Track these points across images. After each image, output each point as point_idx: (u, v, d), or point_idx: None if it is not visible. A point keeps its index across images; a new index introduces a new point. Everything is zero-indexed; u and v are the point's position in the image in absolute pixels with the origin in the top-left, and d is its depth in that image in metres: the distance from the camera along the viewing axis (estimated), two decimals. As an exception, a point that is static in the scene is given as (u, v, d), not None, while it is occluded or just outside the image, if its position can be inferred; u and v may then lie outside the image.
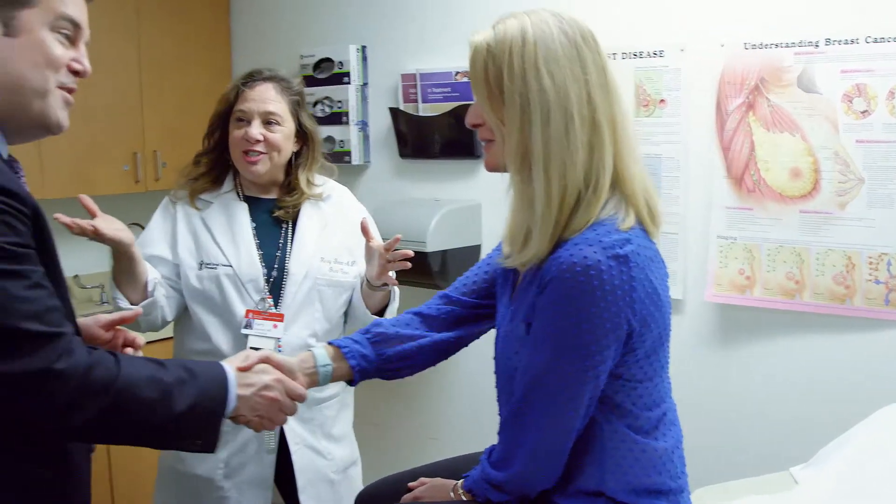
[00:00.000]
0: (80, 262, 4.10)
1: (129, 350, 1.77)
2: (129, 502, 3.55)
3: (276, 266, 2.48)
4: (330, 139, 3.64)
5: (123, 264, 2.30)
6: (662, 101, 2.77)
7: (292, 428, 2.49)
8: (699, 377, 2.81)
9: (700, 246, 2.75)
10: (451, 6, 3.31)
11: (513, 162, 1.58)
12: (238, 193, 2.53)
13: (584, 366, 1.50)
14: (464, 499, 1.73)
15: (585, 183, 1.54)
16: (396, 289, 2.54)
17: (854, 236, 2.52)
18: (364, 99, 3.62)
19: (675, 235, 2.77)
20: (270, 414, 1.70)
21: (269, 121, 2.44)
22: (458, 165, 3.32)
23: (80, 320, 1.63)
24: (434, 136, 3.36)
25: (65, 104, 1.51)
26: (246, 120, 2.44)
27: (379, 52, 3.57)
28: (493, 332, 1.80)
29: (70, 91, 1.52)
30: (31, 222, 1.39)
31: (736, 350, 2.76)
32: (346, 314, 2.61)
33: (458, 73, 3.22)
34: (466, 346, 1.96)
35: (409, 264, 2.32)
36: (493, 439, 1.72)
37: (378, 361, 1.87)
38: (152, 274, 2.39)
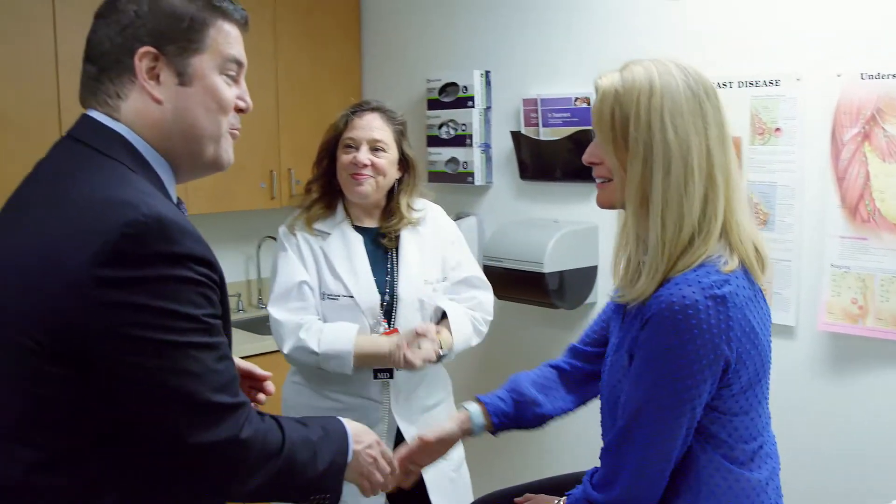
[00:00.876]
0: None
1: (261, 396, 1.87)
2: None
3: (387, 291, 2.66)
4: (454, 160, 3.79)
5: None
6: (778, 129, 2.80)
7: (409, 433, 2.65)
8: (808, 403, 2.82)
9: (813, 274, 2.77)
10: (571, 34, 3.40)
11: (631, 204, 1.68)
12: (351, 223, 2.71)
13: (681, 398, 1.59)
14: (565, 516, 1.84)
15: (697, 230, 1.63)
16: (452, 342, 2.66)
17: (972, 268, 2.51)
18: (487, 122, 3.76)
19: (789, 263, 2.80)
20: (370, 473, 1.74)
21: (375, 147, 2.64)
22: (576, 188, 3.41)
23: None
24: (554, 160, 3.46)
25: (232, 143, 1.56)
26: (354, 146, 2.64)
27: (502, 77, 3.69)
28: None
29: (236, 129, 1.57)
30: (219, 288, 1.42)
31: (846, 379, 2.76)
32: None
33: (577, 98, 3.31)
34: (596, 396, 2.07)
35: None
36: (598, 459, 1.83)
37: (516, 419, 2.05)
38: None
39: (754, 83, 2.84)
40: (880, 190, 2.62)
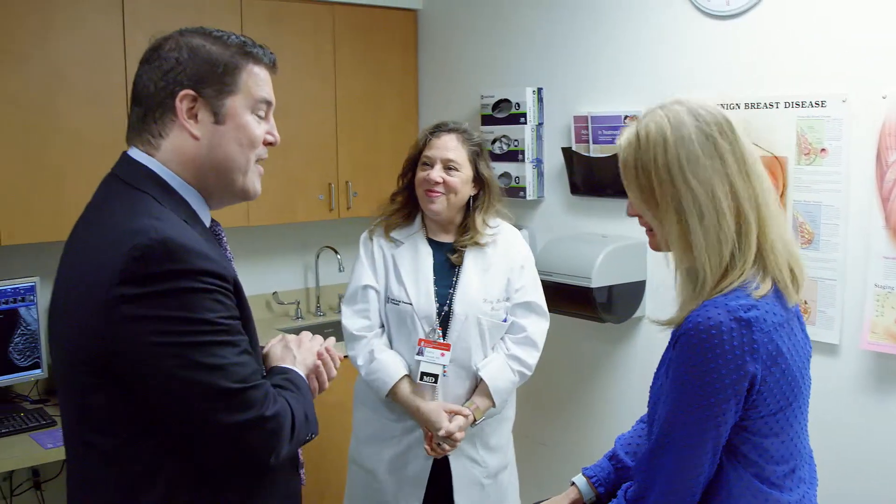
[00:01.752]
0: (277, 279, 4.51)
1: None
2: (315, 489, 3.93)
3: (447, 303, 2.83)
4: (506, 175, 3.87)
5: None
6: (823, 150, 2.83)
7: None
8: (851, 421, 2.84)
9: (857, 294, 2.79)
10: (621, 53, 3.46)
11: (676, 249, 1.76)
12: (426, 235, 2.89)
13: (705, 416, 1.65)
14: (602, 529, 1.93)
15: (731, 263, 1.70)
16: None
17: None
18: (539, 138, 3.83)
19: (833, 282, 2.83)
20: (318, 375, 1.87)
21: (448, 166, 2.80)
22: (625, 204, 3.44)
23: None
24: (603, 176, 3.52)
25: (259, 175, 1.73)
26: (430, 164, 2.82)
27: (554, 94, 3.77)
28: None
29: (263, 160, 1.73)
30: (234, 293, 1.59)
31: (889, 397, 2.78)
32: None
33: (627, 116, 3.37)
34: None
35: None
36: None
37: (618, 483, 2.12)
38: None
39: (800, 104, 2.87)
40: (924, 211, 2.64)
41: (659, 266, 2.79)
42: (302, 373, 1.79)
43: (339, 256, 4.38)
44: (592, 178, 3.59)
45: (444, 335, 2.82)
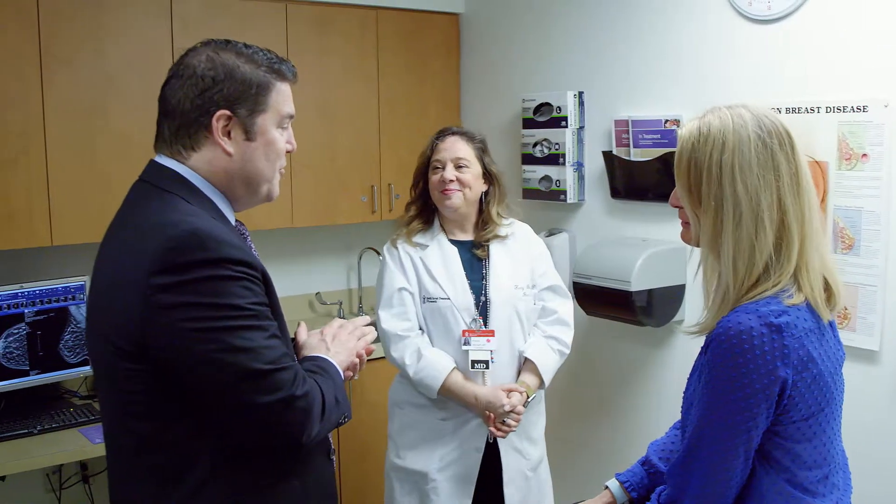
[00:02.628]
0: (321, 279, 4.57)
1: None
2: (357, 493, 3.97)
3: (482, 293, 2.96)
4: (547, 178, 3.89)
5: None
6: (865, 155, 2.82)
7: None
8: (891, 428, 2.82)
9: (898, 299, 2.78)
10: (662, 58, 3.47)
11: (705, 247, 1.78)
12: (446, 237, 3.02)
13: (736, 421, 1.67)
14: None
15: (765, 274, 1.71)
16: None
17: None
18: (580, 141, 3.85)
19: (874, 288, 2.82)
20: (351, 361, 1.94)
21: (459, 165, 2.96)
22: (665, 209, 3.44)
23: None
24: (644, 180, 3.53)
25: (279, 179, 1.84)
26: (441, 166, 2.97)
27: (595, 98, 3.78)
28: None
29: (283, 168, 1.84)
30: (262, 283, 1.68)
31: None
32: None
33: (667, 120, 3.38)
34: None
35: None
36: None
37: (649, 488, 2.15)
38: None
39: (842, 109, 2.87)
40: (967, 217, 2.62)
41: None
42: (333, 362, 1.86)
43: (381, 258, 4.41)
44: (633, 181, 3.60)
45: (486, 324, 2.94)
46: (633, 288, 3.28)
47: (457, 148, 2.99)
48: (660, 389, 3.61)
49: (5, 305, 3.36)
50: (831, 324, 1.82)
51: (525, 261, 3.06)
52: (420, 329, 2.98)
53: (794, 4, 2.97)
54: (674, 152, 1.82)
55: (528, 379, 2.97)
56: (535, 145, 3.94)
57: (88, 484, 3.69)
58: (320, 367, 1.81)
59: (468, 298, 2.95)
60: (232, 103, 1.71)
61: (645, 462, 2.19)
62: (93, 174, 3.46)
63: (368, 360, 3.89)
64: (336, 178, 4.11)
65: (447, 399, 2.94)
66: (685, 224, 1.85)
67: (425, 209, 3.08)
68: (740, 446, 1.69)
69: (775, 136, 1.73)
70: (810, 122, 2.92)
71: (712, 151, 1.73)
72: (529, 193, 4.00)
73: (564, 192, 3.84)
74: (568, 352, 3.09)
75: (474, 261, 3.02)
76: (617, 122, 3.61)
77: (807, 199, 1.74)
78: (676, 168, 1.80)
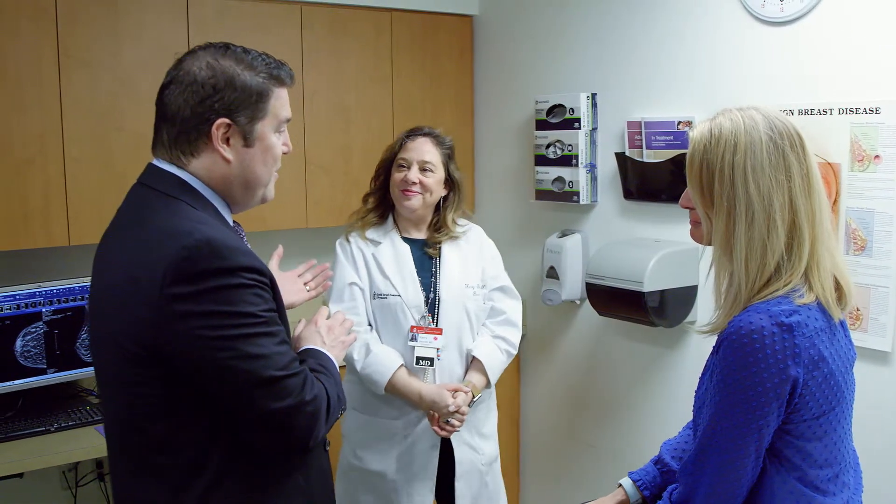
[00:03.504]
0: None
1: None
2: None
3: (431, 290, 3.01)
4: (560, 179, 3.90)
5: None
6: (877, 156, 2.82)
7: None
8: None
9: (910, 301, 2.78)
10: (675, 60, 3.48)
11: (717, 247, 1.80)
12: (399, 234, 3.06)
13: (747, 419, 1.69)
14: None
15: (777, 273, 1.73)
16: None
17: None
18: (593, 143, 3.86)
19: (886, 289, 2.82)
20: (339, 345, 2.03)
21: (424, 168, 3.00)
22: (678, 210, 3.41)
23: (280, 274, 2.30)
24: (656, 181, 3.53)
25: (274, 181, 1.88)
26: (406, 166, 3.01)
27: (608, 99, 3.79)
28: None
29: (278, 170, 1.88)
30: (270, 287, 1.72)
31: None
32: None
33: (680, 122, 3.39)
34: None
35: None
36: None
37: (662, 486, 2.17)
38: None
39: (854, 110, 2.87)
40: (980, 219, 2.62)
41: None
42: (331, 356, 1.91)
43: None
44: (646, 183, 3.61)
45: (436, 322, 2.99)
46: (646, 289, 3.29)
47: (425, 150, 3.03)
48: (672, 389, 3.62)
49: (23, 304, 3.40)
50: (842, 323, 1.83)
51: (476, 261, 3.13)
52: (369, 325, 3.01)
53: (807, 6, 2.98)
54: (686, 154, 1.84)
55: (475, 378, 3.02)
56: (548, 146, 3.95)
57: (104, 482, 3.72)
58: (323, 365, 1.86)
59: (418, 296, 3.00)
60: (231, 111, 1.73)
61: (658, 461, 2.20)
62: (109, 174, 3.49)
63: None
64: (351, 178, 4.13)
65: (395, 398, 2.96)
66: (695, 223, 1.87)
67: (382, 203, 3.12)
68: (751, 445, 1.71)
69: (786, 137, 1.75)
70: (823, 124, 2.93)
71: (724, 153, 1.74)
72: (542, 195, 4.01)
73: (577, 194, 3.86)
74: (515, 352, 3.16)
75: (425, 259, 3.08)
76: (630, 124, 3.63)
77: (817, 199, 1.76)
78: (688, 170, 1.82)
